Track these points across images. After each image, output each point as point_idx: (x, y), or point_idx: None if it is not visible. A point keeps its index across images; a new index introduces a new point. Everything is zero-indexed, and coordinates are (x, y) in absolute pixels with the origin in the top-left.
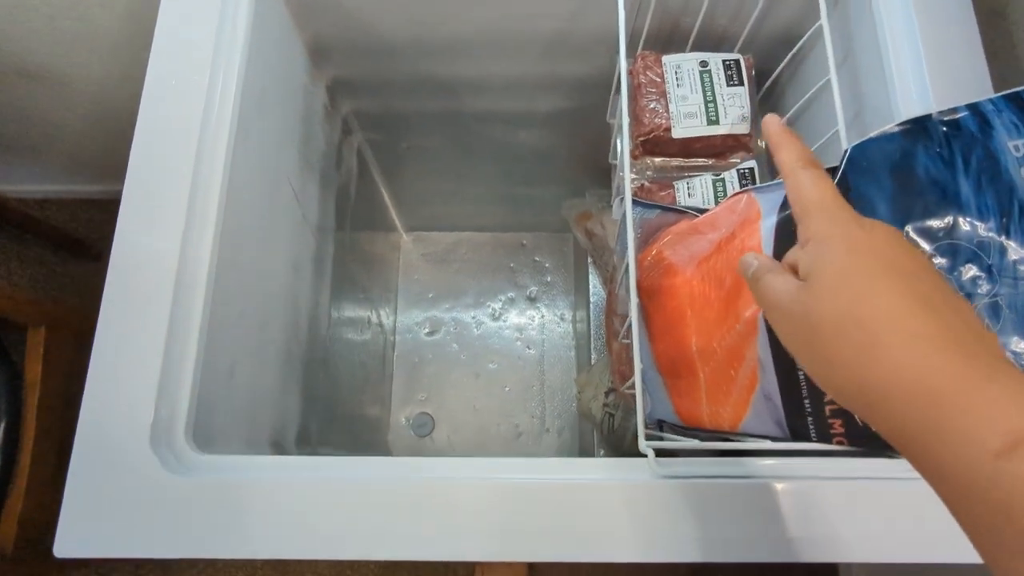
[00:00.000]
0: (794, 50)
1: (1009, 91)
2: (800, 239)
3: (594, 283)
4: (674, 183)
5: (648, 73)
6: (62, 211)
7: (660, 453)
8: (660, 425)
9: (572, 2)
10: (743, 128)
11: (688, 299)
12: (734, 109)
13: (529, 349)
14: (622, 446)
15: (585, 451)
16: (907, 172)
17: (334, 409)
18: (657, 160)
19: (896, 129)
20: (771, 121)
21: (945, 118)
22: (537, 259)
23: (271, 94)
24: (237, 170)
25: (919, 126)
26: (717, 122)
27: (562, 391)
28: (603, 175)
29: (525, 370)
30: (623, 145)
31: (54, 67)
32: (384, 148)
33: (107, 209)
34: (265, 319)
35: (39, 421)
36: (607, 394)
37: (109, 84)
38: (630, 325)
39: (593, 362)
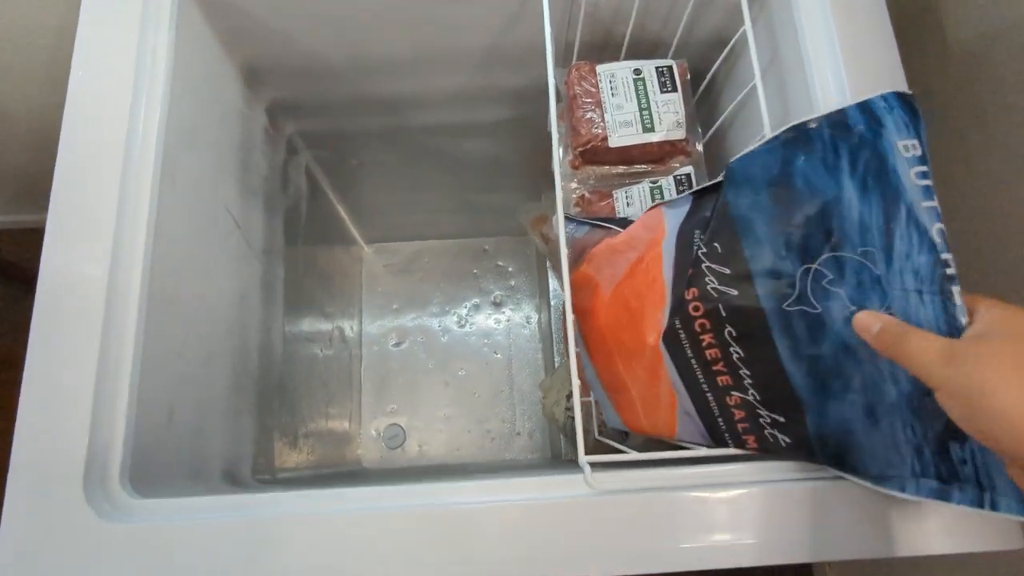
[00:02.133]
0: (724, 54)
1: (900, 89)
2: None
3: (554, 286)
4: (613, 192)
5: (583, 83)
6: (13, 243)
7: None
8: (624, 434)
9: (501, 17)
10: (678, 134)
11: (607, 323)
12: (668, 115)
13: (496, 354)
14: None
15: (556, 452)
16: (785, 186)
17: (296, 431)
18: (598, 169)
19: (779, 137)
20: (860, 318)
21: (833, 119)
22: (500, 263)
23: (202, 121)
24: (165, 203)
25: (801, 133)
26: (652, 129)
27: (531, 394)
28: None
29: (494, 375)
30: (555, 161)
31: None
32: (334, 165)
33: None
34: (210, 353)
35: None
36: (568, 397)
37: (46, 110)
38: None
39: (557, 366)
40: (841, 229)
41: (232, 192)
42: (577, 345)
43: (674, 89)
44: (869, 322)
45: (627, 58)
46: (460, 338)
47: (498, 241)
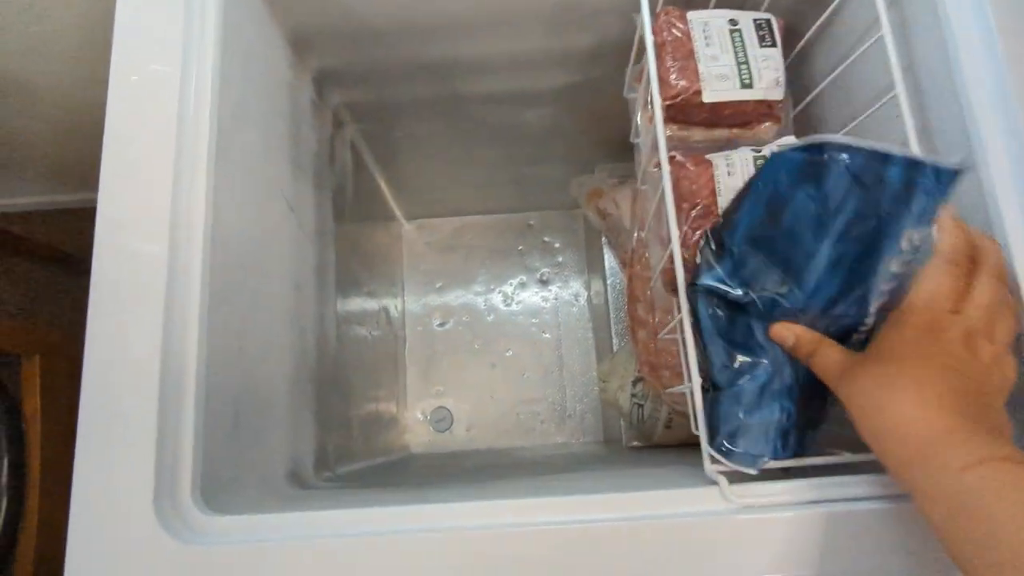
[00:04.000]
0: (827, 13)
1: (956, 163)
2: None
3: (609, 263)
4: (709, 158)
5: (673, 31)
6: (47, 224)
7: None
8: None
9: None
10: (776, 93)
11: None
12: (768, 72)
13: (545, 333)
14: (652, 436)
15: (610, 436)
16: (778, 209)
17: (350, 422)
18: (681, 131)
19: (806, 147)
20: (946, 213)
21: (865, 163)
22: (546, 239)
23: (252, 93)
24: (221, 183)
25: (830, 157)
26: (751, 86)
27: (582, 374)
28: (613, 149)
29: (542, 355)
30: (655, 106)
31: (18, 75)
32: (378, 138)
33: (93, 219)
34: (267, 350)
35: (44, 455)
36: (634, 383)
37: (78, 88)
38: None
39: (615, 348)
40: (790, 284)
41: (284, 171)
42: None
43: (774, 44)
44: (784, 335)
45: (717, 7)
46: (506, 317)
47: (544, 216)
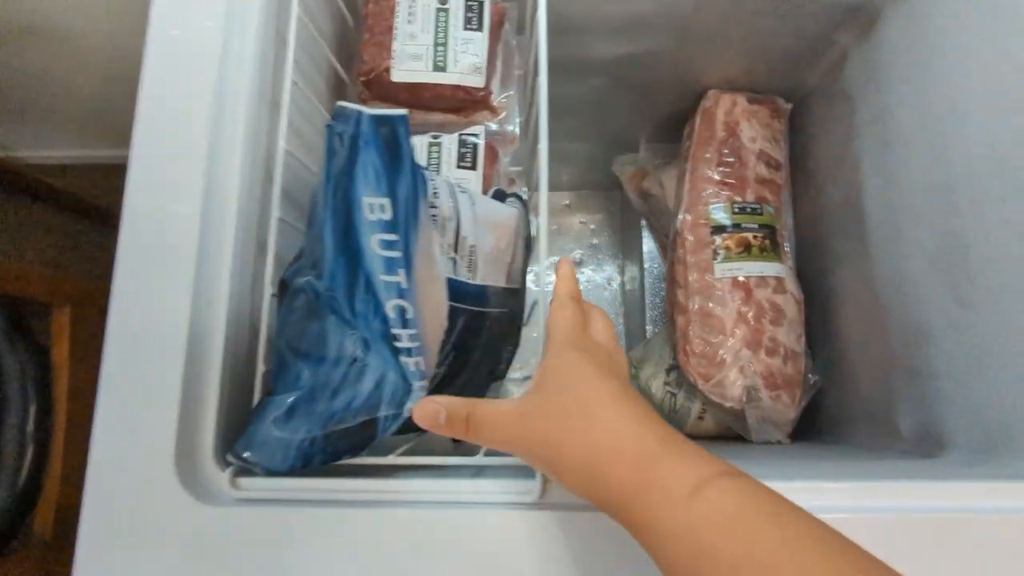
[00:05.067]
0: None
1: (389, 111)
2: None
3: (648, 247)
4: None
5: (380, 3)
6: (83, 177)
7: None
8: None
9: None
10: (475, 80)
11: None
12: (466, 56)
13: None
14: (683, 427)
15: None
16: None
17: None
18: (385, 107)
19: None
20: (563, 263)
21: (338, 129)
22: (582, 220)
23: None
24: (262, 127)
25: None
26: (444, 68)
27: None
28: (660, 128)
29: None
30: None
31: (60, 22)
32: None
33: None
34: None
35: (70, 405)
36: (668, 372)
37: (120, 38)
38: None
39: (648, 334)
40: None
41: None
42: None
43: (479, 28)
44: (431, 411)
45: None
46: (538, 299)
47: (580, 196)
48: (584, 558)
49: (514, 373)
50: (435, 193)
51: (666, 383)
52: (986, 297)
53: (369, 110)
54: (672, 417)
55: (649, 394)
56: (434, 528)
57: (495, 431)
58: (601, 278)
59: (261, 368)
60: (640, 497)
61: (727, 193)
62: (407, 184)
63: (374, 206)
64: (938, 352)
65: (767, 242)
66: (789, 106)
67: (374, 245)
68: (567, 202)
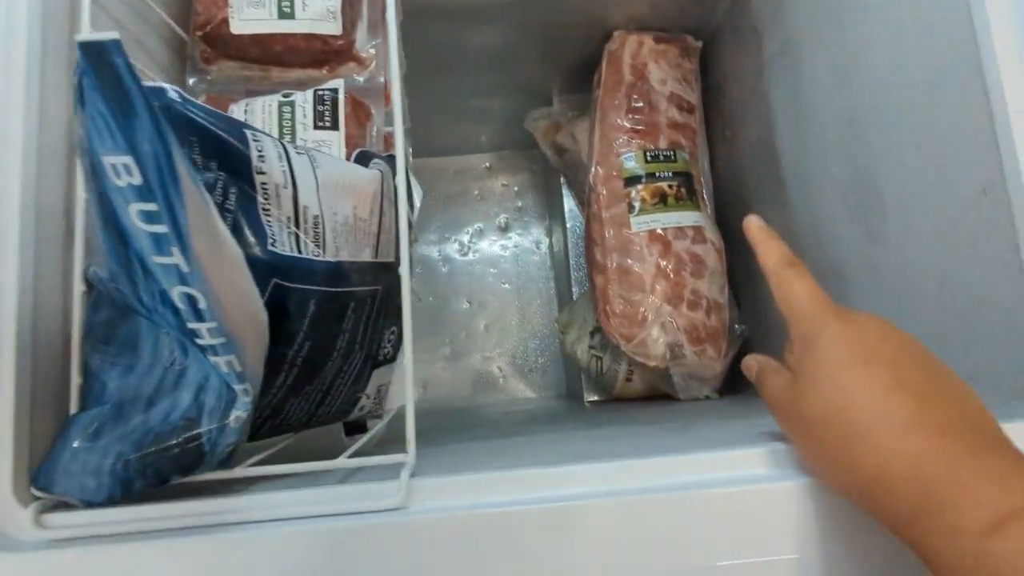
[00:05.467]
0: None
1: (97, 36)
2: (791, 338)
3: (569, 206)
4: (231, 104)
5: None
6: None
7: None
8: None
9: None
10: (330, 27)
11: None
12: (317, 1)
13: (504, 284)
14: (612, 390)
15: (573, 390)
16: None
17: None
18: (241, 69)
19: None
20: (752, 221)
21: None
22: (504, 183)
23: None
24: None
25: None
26: (292, 15)
27: (545, 326)
28: (572, 78)
29: (502, 307)
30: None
31: None
32: None
33: None
34: None
35: None
36: (592, 335)
37: None
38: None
39: (575, 296)
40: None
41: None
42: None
43: None
44: (751, 365)
45: None
46: (463, 267)
47: (500, 156)
48: (453, 567)
49: None
50: (260, 155)
51: (591, 347)
52: (898, 234)
53: (81, 36)
54: (599, 381)
55: (575, 359)
56: (285, 548)
57: (772, 410)
58: (529, 242)
59: (76, 380)
60: (923, 525)
61: (639, 141)
62: (148, 134)
63: (117, 167)
64: (854, 291)
65: (683, 190)
66: (699, 44)
67: (134, 218)
68: (487, 164)
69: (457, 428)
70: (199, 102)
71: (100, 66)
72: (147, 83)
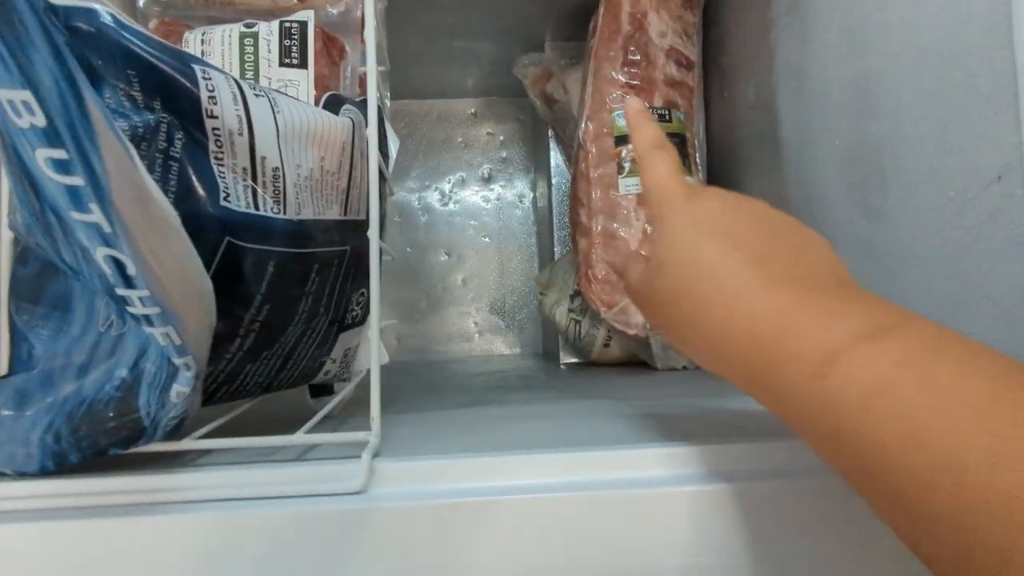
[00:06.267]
0: None
1: None
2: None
3: (556, 160)
4: (186, 32)
5: None
6: None
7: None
8: None
9: None
10: None
11: None
12: None
13: (485, 237)
14: (590, 355)
15: (549, 349)
16: None
17: None
18: None
19: None
20: (633, 103)
21: None
22: (490, 131)
23: None
24: None
25: None
26: None
27: (524, 283)
28: (566, 23)
29: (481, 261)
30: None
31: None
32: None
33: None
34: None
35: None
36: (572, 298)
37: None
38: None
39: (557, 255)
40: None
41: None
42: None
43: None
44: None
45: None
46: (443, 218)
47: (487, 103)
48: (415, 554)
49: None
50: (211, 96)
51: (571, 310)
52: (897, 211)
53: None
54: (577, 345)
55: (554, 322)
56: (235, 532)
57: (632, 298)
58: (512, 195)
59: (4, 336)
60: (768, 379)
61: (633, 97)
62: (48, 64)
63: (15, 103)
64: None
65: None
66: None
67: (43, 166)
68: (472, 110)
69: (427, 387)
70: (140, 28)
71: None
72: (75, 3)
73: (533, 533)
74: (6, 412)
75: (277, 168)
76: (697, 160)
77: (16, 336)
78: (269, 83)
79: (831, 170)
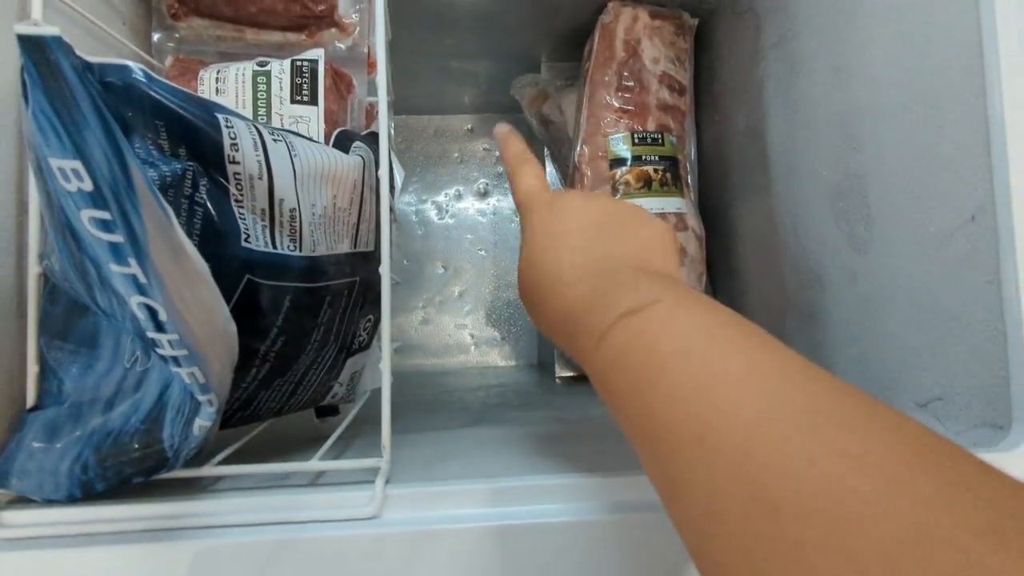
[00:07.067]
0: None
1: (37, 29)
2: None
3: (551, 178)
4: (201, 70)
5: None
6: None
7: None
8: None
9: None
10: None
11: None
12: None
13: (480, 251)
14: (583, 370)
15: (544, 361)
16: None
17: None
18: (212, 27)
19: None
20: (503, 126)
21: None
22: (486, 147)
23: None
24: None
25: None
26: None
27: (519, 297)
28: (562, 45)
29: (477, 275)
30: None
31: None
32: None
33: None
34: None
35: None
36: None
37: None
38: None
39: None
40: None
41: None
42: None
43: None
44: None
45: None
46: (440, 231)
47: (484, 119)
48: None
49: None
50: (234, 143)
51: None
52: (881, 243)
53: (21, 27)
54: (572, 360)
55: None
56: (252, 557)
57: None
58: (508, 209)
59: (33, 369)
60: (579, 360)
61: (627, 122)
62: (99, 139)
63: (66, 171)
64: (832, 298)
65: (668, 175)
66: (695, 21)
67: (87, 225)
68: (469, 126)
69: (427, 403)
70: (167, 81)
71: (41, 63)
72: (108, 60)
73: (546, 558)
74: (37, 444)
75: (294, 209)
76: (689, 182)
77: (46, 371)
78: (281, 119)
79: (819, 199)
